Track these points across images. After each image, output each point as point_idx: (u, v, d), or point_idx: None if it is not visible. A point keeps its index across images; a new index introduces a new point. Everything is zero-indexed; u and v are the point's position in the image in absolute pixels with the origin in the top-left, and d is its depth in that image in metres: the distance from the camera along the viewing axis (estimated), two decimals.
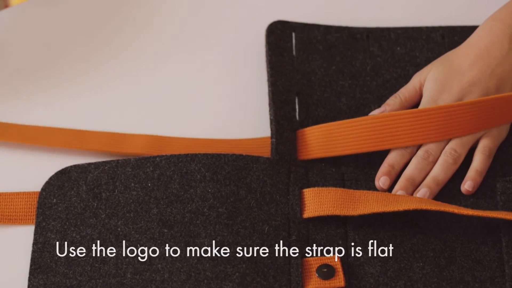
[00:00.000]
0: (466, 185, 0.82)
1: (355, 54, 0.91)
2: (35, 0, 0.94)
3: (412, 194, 0.82)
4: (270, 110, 0.85)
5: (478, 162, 0.82)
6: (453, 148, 0.83)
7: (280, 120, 0.85)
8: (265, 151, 0.85)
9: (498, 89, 0.84)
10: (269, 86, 0.88)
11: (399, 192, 0.82)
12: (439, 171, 0.82)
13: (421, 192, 0.81)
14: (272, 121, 0.84)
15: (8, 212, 0.81)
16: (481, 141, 0.83)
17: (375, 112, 0.85)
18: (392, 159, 0.83)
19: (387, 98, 0.87)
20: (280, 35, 0.91)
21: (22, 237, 0.80)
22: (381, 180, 0.82)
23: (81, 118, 0.88)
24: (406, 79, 0.88)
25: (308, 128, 0.85)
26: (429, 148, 0.83)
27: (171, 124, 0.88)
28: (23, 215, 0.81)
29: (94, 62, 0.91)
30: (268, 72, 0.89)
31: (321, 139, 0.84)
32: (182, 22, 0.95)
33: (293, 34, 0.92)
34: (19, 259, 0.79)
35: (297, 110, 0.87)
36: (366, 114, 0.86)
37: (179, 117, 0.89)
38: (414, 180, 0.82)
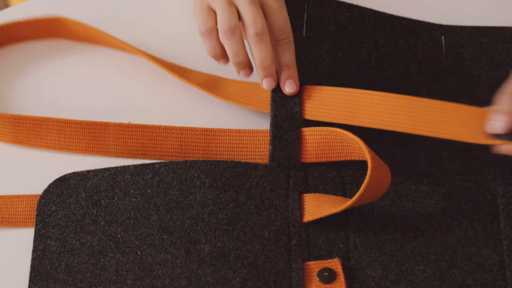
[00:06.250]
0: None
1: (362, 40, 0.89)
2: (35, 0, 0.95)
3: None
4: (271, 109, 0.84)
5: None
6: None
7: (280, 122, 0.83)
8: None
9: None
10: None
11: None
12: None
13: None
14: (271, 124, 0.83)
15: (8, 215, 0.81)
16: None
17: (498, 123, 0.77)
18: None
19: None
20: (292, 8, 0.88)
21: (22, 240, 0.80)
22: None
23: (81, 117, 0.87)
24: (407, 76, 0.88)
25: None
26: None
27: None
28: (23, 218, 0.81)
29: (94, 61, 0.91)
30: None
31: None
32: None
33: (306, 7, 0.89)
34: (19, 263, 0.79)
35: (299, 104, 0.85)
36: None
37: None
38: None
